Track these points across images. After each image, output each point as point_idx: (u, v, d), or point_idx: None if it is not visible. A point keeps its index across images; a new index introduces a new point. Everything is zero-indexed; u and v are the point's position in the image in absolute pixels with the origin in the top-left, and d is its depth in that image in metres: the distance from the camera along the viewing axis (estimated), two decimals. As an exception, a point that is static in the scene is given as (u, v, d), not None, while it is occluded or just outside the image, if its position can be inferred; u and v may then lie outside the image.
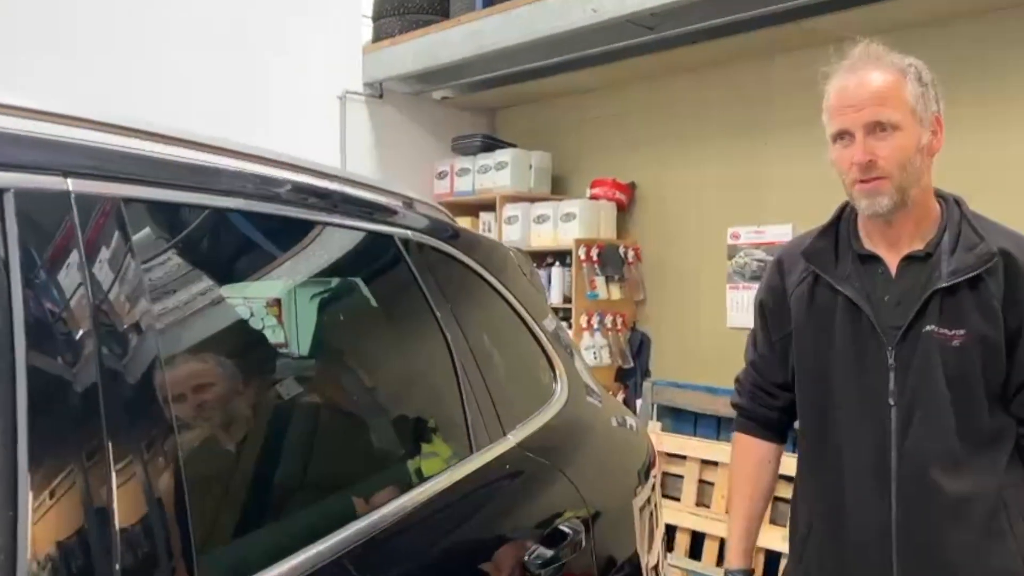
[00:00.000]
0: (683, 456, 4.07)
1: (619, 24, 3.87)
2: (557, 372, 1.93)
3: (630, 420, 2.26)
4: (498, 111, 5.68)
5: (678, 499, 4.06)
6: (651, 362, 4.71)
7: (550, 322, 2.03)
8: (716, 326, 4.35)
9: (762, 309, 1.69)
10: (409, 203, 1.72)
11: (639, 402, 4.58)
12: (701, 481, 4.01)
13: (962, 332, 1.45)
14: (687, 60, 4.32)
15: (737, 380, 1.77)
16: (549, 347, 1.93)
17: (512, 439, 1.56)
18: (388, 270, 1.41)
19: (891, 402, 1.48)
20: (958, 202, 1.56)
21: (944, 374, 1.46)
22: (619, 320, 4.59)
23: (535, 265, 4.76)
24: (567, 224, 4.57)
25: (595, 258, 4.48)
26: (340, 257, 1.30)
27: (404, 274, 1.42)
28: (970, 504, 1.45)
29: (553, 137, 5.23)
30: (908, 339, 1.47)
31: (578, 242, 4.45)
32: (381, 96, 5.13)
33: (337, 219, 1.26)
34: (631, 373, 4.67)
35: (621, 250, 4.60)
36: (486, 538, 1.35)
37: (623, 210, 4.78)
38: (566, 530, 1.46)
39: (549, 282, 4.62)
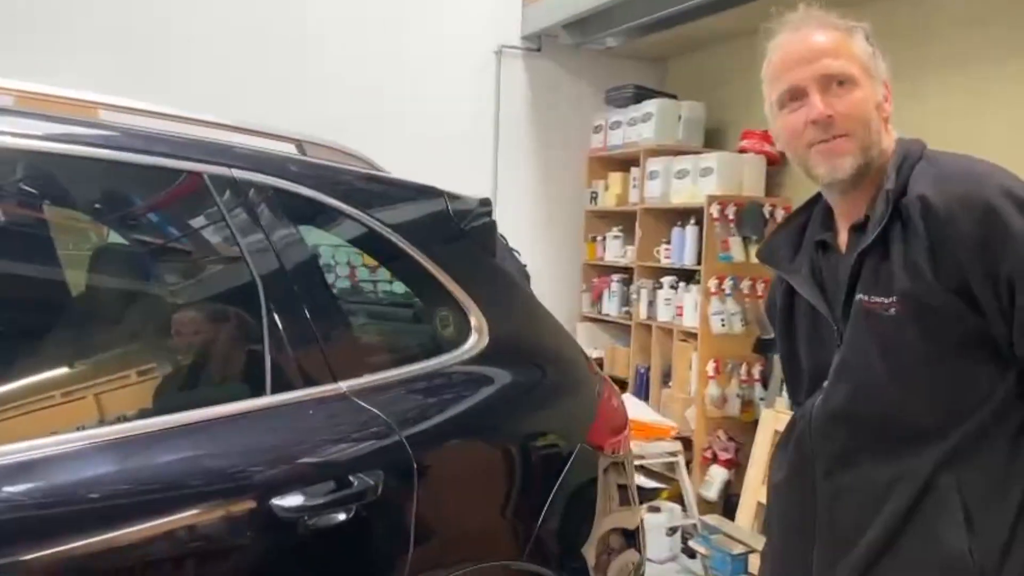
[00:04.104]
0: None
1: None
2: (473, 324, 1.85)
3: (598, 386, 2.11)
4: (669, 60, 5.37)
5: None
6: (798, 334, 4.24)
7: (487, 275, 1.94)
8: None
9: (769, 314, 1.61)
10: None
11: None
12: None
13: (893, 299, 1.25)
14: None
15: None
16: (466, 299, 1.85)
17: (344, 387, 1.54)
18: (185, 208, 1.45)
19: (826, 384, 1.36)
20: (905, 146, 1.34)
21: (879, 351, 1.28)
22: (759, 286, 4.20)
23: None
24: (705, 179, 4.23)
25: (731, 217, 4.11)
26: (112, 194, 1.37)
27: (209, 213, 1.45)
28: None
29: (715, 87, 4.84)
30: (850, 315, 1.32)
31: (711, 198, 4.11)
32: (539, 50, 5.09)
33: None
34: (773, 344, 4.25)
35: (766, 209, 4.17)
36: (224, 467, 1.35)
37: (775, 165, 4.32)
38: (352, 480, 1.42)
39: (683, 242, 4.34)
